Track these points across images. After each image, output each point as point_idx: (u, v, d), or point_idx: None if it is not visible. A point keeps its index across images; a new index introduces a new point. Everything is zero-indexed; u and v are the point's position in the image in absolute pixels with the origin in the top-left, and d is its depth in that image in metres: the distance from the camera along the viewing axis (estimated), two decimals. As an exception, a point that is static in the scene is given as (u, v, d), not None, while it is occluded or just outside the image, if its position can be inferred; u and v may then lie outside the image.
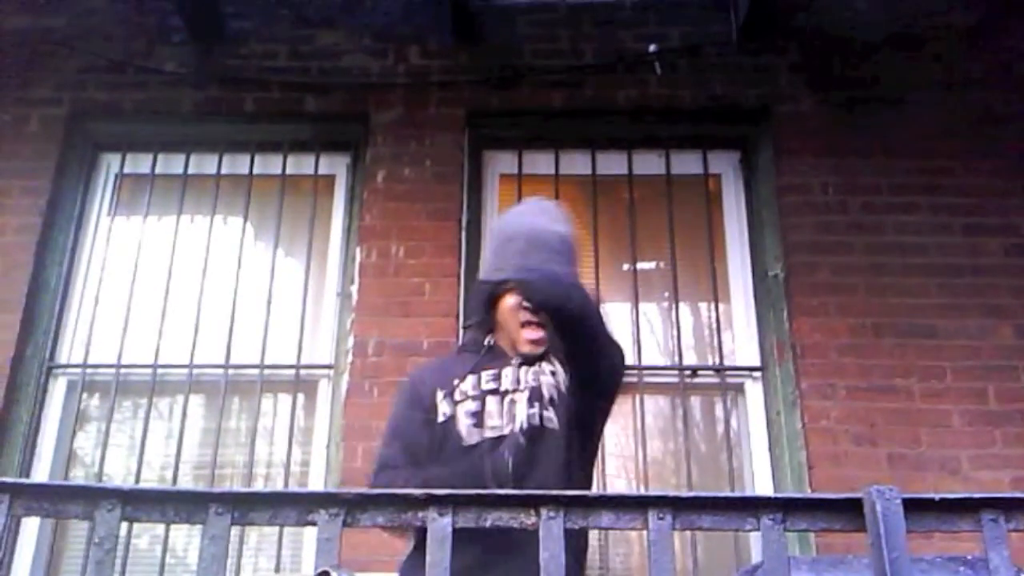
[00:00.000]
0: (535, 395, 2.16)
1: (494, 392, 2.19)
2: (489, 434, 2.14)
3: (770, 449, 3.61)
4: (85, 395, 3.79)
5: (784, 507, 1.30)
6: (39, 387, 3.72)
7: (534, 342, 2.22)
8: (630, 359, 3.72)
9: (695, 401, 3.86)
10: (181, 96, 4.12)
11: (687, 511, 1.29)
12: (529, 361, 2.24)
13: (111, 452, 3.71)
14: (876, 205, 3.87)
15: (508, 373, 2.22)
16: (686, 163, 4.06)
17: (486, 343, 2.29)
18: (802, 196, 3.88)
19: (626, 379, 3.69)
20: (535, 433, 2.12)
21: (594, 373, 2.18)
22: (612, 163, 4.06)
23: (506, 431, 2.13)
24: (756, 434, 3.66)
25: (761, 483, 3.56)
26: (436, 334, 3.68)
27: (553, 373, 2.21)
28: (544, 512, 1.28)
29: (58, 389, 3.76)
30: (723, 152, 4.10)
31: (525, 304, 2.20)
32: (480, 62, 4.15)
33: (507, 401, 2.18)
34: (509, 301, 2.24)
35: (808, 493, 1.22)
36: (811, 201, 3.88)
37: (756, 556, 3.39)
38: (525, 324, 2.23)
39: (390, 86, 4.12)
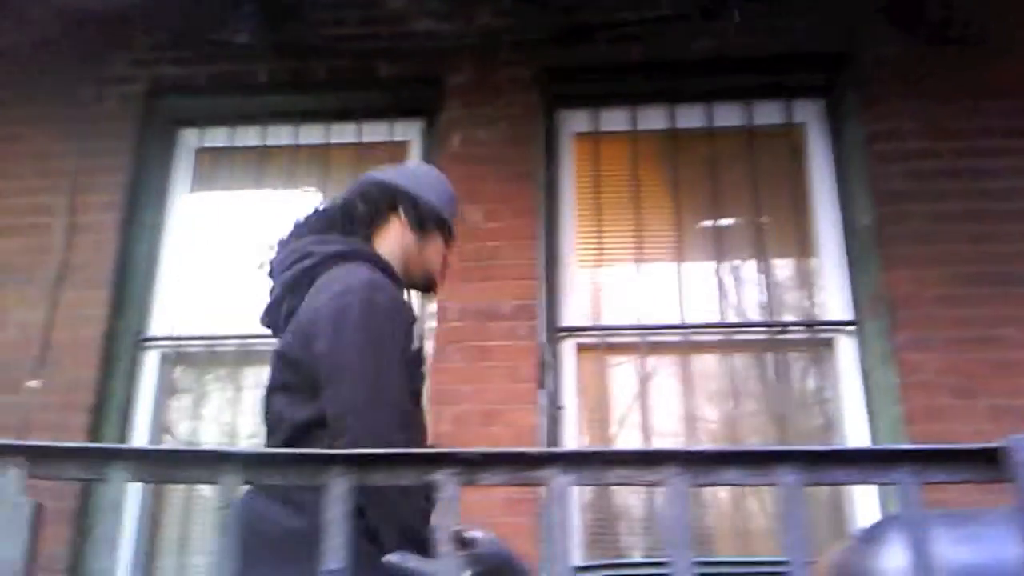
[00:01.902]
0: None
1: None
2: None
3: (866, 405, 3.52)
4: (176, 367, 3.86)
5: (921, 459, 1.24)
6: (132, 361, 3.80)
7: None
8: (716, 317, 3.69)
9: (786, 358, 3.77)
10: (254, 68, 4.13)
11: (820, 465, 1.24)
12: None
13: (203, 422, 3.78)
14: (969, 150, 3.71)
15: None
16: (768, 113, 3.94)
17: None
18: (891, 143, 3.74)
19: (712, 336, 3.69)
20: None
21: None
22: (691, 116, 3.96)
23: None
24: (849, 390, 3.56)
25: (855, 439, 3.48)
26: (517, 297, 3.65)
27: None
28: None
29: (150, 362, 3.84)
30: (806, 101, 3.97)
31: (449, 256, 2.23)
32: (552, 19, 4.06)
33: None
34: (440, 241, 2.21)
35: (945, 444, 1.17)
36: (900, 148, 3.73)
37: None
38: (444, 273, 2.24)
39: (461, 48, 4.07)
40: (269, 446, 1.94)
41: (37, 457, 1.28)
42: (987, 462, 1.27)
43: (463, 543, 1.14)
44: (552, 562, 1.19)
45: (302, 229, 2.18)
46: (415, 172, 2.34)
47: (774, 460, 1.25)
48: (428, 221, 2.18)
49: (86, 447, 1.30)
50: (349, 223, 2.17)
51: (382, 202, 2.18)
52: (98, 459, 1.28)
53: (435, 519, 1.25)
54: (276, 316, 2.13)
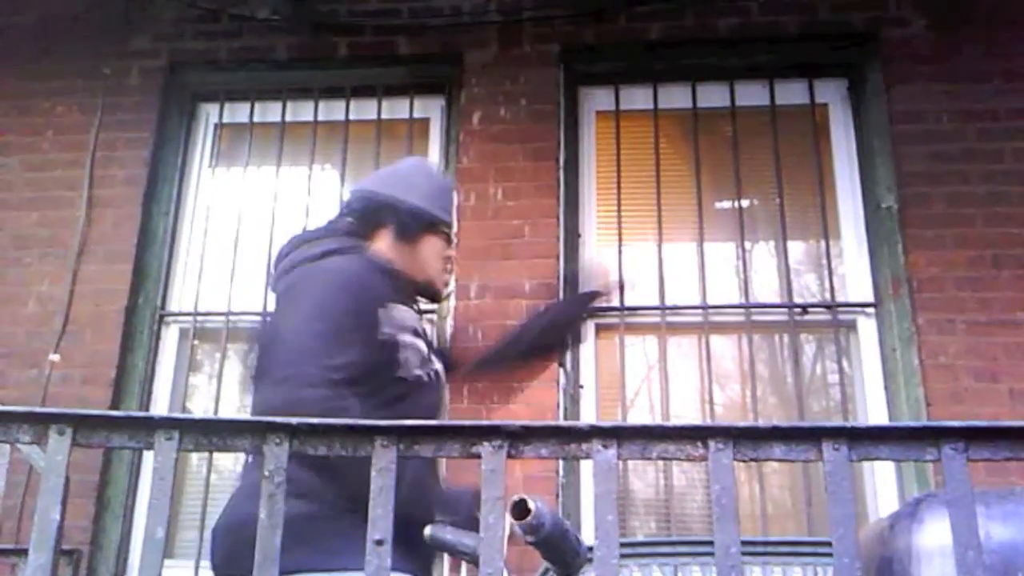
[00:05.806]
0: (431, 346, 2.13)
1: (421, 333, 2.08)
2: (426, 375, 2.05)
3: (885, 387, 3.51)
4: (196, 342, 3.87)
5: (967, 435, 1.24)
6: (152, 335, 3.81)
7: (447, 287, 2.24)
8: (738, 298, 3.70)
9: (806, 339, 3.77)
10: (275, 43, 4.12)
11: (864, 442, 1.23)
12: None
13: (223, 397, 3.79)
14: (993, 131, 3.69)
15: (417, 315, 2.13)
16: (791, 92, 3.91)
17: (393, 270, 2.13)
18: (915, 124, 3.72)
19: (732, 317, 3.69)
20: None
21: None
22: (713, 95, 3.93)
23: (429, 377, 2.06)
24: (870, 372, 3.56)
25: (876, 421, 3.48)
26: (537, 276, 3.65)
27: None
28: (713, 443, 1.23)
29: (170, 336, 3.85)
30: (830, 80, 3.94)
31: (450, 253, 2.19)
32: (574, -5, 4.04)
33: (424, 344, 2.08)
34: (435, 241, 2.15)
35: (992, 421, 1.17)
36: (924, 129, 3.71)
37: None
38: (448, 271, 2.20)
39: (482, 25, 4.05)
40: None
41: (84, 426, 1.29)
42: (1032, 440, 1.27)
43: (523, 511, 1.14)
44: (599, 536, 1.19)
45: (295, 241, 2.12)
46: (398, 173, 2.25)
47: (820, 436, 1.25)
48: (413, 226, 2.12)
49: (133, 416, 1.30)
50: (347, 237, 2.11)
51: (368, 213, 2.13)
52: (145, 428, 1.29)
53: (482, 491, 1.25)
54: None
